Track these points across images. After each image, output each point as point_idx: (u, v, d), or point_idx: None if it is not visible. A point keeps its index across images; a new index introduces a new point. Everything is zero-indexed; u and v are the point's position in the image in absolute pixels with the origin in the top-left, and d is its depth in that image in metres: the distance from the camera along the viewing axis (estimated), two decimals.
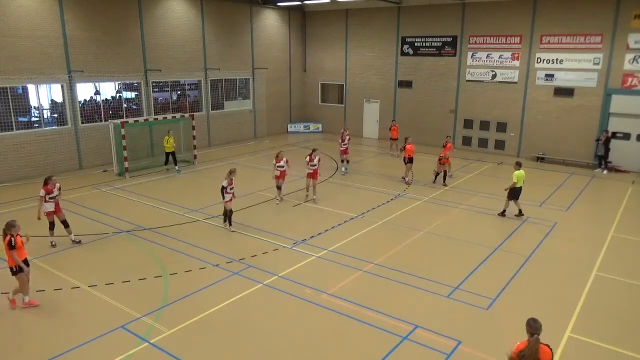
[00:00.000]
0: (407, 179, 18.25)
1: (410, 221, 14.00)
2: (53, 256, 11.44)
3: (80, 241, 12.33)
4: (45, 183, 11.93)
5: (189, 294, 9.63)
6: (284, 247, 12.10)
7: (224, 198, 12.96)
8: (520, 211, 14.38)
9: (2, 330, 8.49)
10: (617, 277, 10.68)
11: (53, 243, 12.12)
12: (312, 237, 12.74)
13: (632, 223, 14.05)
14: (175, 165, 19.58)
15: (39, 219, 11.78)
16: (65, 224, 12.24)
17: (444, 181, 17.79)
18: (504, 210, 14.50)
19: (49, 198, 11.93)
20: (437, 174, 17.98)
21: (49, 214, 11.99)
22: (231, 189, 12.93)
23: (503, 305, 9.36)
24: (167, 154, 19.32)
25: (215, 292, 9.76)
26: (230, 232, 13.01)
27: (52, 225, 12.11)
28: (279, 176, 15.32)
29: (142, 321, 8.65)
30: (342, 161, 19.90)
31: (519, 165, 14.22)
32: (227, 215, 13.22)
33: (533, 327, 5.68)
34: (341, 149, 19.58)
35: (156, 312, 8.96)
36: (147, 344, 7.98)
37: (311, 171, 15.55)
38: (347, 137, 19.62)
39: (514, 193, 14.24)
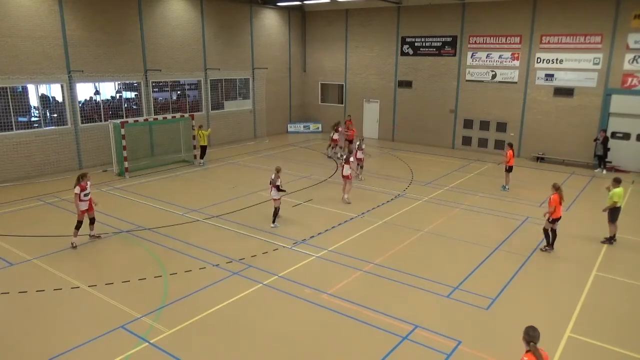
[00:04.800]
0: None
1: (410, 221, 13.99)
2: (53, 256, 11.42)
3: (100, 236, 12.40)
4: (79, 181, 11.68)
5: (189, 294, 9.63)
6: (284, 247, 12.09)
7: (275, 195, 13.21)
8: (614, 235, 12.51)
9: (2, 330, 8.48)
10: (617, 277, 10.68)
11: (74, 244, 11.79)
12: (312, 237, 12.74)
13: (632, 223, 14.05)
14: (201, 158, 20.60)
15: (81, 219, 11.80)
16: (92, 220, 12.17)
17: (552, 243, 12.02)
18: (611, 237, 12.55)
19: (84, 196, 11.75)
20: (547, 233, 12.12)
21: (82, 212, 11.79)
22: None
23: (503, 305, 9.36)
24: (202, 147, 20.45)
25: (215, 292, 9.76)
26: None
27: (79, 225, 11.76)
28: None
29: (142, 321, 8.64)
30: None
31: (618, 183, 12.33)
32: (275, 212, 13.46)
33: (532, 335, 5.44)
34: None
35: (156, 312, 8.96)
36: (146, 344, 7.97)
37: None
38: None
39: (614, 214, 12.44)
